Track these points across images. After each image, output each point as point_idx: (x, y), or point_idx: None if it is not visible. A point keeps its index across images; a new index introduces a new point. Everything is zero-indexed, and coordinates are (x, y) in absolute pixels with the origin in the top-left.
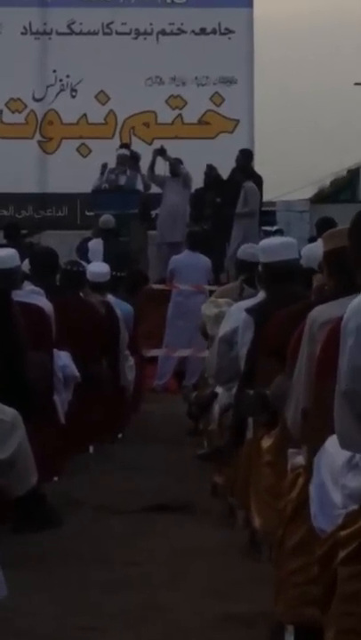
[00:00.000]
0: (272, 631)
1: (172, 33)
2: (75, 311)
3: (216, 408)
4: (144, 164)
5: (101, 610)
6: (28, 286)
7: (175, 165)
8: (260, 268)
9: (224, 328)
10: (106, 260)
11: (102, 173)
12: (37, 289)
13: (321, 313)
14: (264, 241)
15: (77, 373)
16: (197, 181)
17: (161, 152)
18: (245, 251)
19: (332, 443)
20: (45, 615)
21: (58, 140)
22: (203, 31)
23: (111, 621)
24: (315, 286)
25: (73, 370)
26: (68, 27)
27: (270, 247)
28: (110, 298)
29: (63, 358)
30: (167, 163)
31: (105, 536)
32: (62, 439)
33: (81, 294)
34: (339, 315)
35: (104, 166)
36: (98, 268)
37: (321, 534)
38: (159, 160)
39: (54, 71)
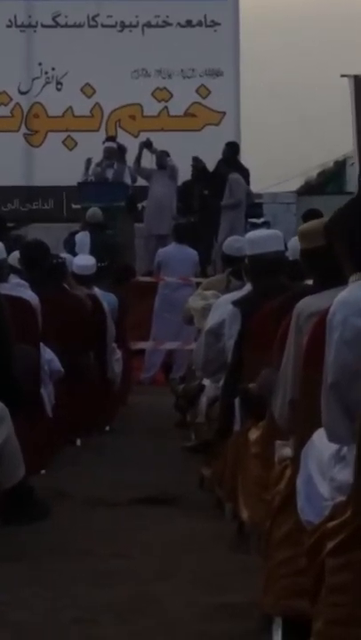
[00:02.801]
0: (260, 623)
1: (157, 25)
2: (61, 304)
3: (203, 400)
4: (130, 157)
5: (91, 602)
6: (14, 279)
7: (162, 158)
8: (246, 260)
9: (211, 320)
10: (93, 252)
11: (87, 168)
12: (22, 282)
13: (308, 305)
14: (250, 233)
15: (62, 368)
16: (184, 174)
17: (147, 145)
18: (231, 245)
19: (319, 435)
20: (35, 608)
21: (44, 132)
22: (188, 23)
23: (101, 614)
24: None
25: (57, 364)
26: (54, 19)
27: (256, 239)
28: (97, 291)
29: (49, 352)
30: (153, 155)
31: (93, 528)
32: (50, 432)
33: (65, 286)
34: (325, 306)
35: (88, 161)
36: (84, 261)
37: (308, 526)
38: (145, 153)
39: (40, 64)
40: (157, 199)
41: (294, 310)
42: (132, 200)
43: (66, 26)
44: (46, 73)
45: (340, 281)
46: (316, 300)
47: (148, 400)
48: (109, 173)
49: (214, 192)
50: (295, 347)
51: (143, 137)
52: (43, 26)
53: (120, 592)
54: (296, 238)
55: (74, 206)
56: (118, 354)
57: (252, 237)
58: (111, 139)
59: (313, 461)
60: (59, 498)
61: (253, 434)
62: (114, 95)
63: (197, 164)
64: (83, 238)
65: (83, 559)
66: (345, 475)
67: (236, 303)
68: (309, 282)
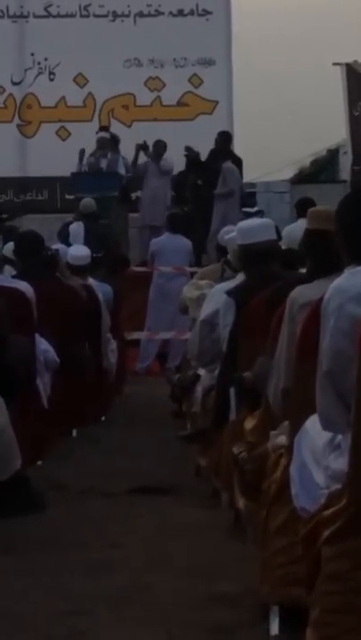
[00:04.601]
0: (256, 612)
1: (149, 15)
2: (56, 295)
3: (199, 390)
4: (123, 147)
5: (84, 592)
6: (8, 270)
7: (158, 147)
8: (237, 249)
9: (205, 310)
10: (87, 243)
11: (80, 159)
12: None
13: (301, 294)
14: (241, 223)
15: (57, 359)
16: (178, 163)
17: (143, 147)
18: (224, 237)
19: (311, 423)
20: (28, 599)
21: (37, 123)
22: (180, 12)
23: (94, 604)
24: None
25: (53, 355)
26: (46, 9)
27: (248, 229)
28: (91, 281)
29: (44, 343)
30: (149, 149)
31: (89, 519)
32: (45, 423)
33: (59, 276)
34: (318, 296)
35: (82, 152)
36: (78, 252)
37: (303, 513)
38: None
39: (32, 54)
40: (152, 190)
41: (288, 299)
42: (125, 190)
43: (58, 16)
44: (39, 63)
45: (335, 270)
46: (309, 290)
47: (144, 390)
48: (103, 163)
49: (208, 182)
50: (289, 336)
51: (136, 126)
52: (35, 16)
53: (115, 582)
54: (291, 226)
55: (68, 197)
56: (113, 344)
57: (243, 227)
58: (104, 129)
59: (306, 449)
60: (54, 489)
61: (249, 423)
62: (106, 85)
63: (190, 153)
64: (77, 229)
65: (78, 549)
66: (340, 463)
67: (230, 292)
68: (303, 270)
